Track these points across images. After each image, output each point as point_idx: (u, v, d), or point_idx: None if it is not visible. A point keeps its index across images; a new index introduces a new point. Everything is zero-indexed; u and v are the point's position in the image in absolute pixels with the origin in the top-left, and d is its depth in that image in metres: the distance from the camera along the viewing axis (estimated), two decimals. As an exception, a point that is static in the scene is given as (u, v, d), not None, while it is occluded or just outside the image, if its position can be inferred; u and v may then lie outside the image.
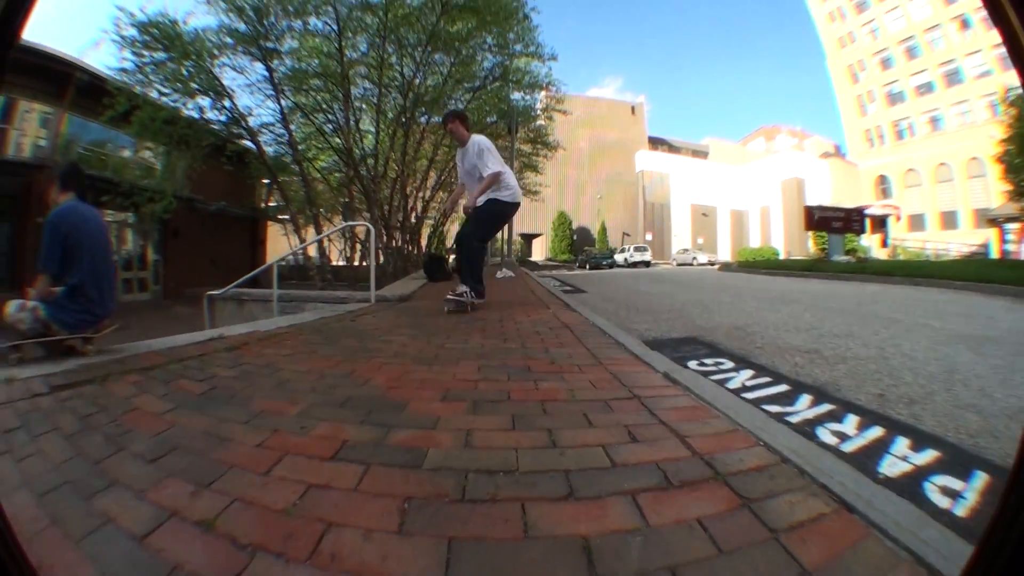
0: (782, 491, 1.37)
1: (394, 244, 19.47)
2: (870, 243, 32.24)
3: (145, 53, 15.31)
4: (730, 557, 1.08)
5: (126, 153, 23.02)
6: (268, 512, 1.37)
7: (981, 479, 1.94)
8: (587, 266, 43.81)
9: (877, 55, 49.81)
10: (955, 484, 1.91)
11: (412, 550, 1.14)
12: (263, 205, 32.61)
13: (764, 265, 22.56)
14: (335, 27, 15.85)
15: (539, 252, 67.16)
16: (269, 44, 16.13)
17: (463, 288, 5.78)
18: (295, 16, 16.12)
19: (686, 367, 3.18)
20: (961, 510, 1.74)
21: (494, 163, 5.65)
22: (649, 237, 62.32)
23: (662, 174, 67.98)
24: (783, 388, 3.12)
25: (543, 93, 22.17)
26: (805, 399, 2.87)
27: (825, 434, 2.32)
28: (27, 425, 2.27)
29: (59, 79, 19.27)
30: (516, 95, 20.72)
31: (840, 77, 53.97)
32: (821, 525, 1.23)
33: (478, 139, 5.82)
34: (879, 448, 2.23)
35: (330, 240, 20.42)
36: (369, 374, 2.74)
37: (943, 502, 1.79)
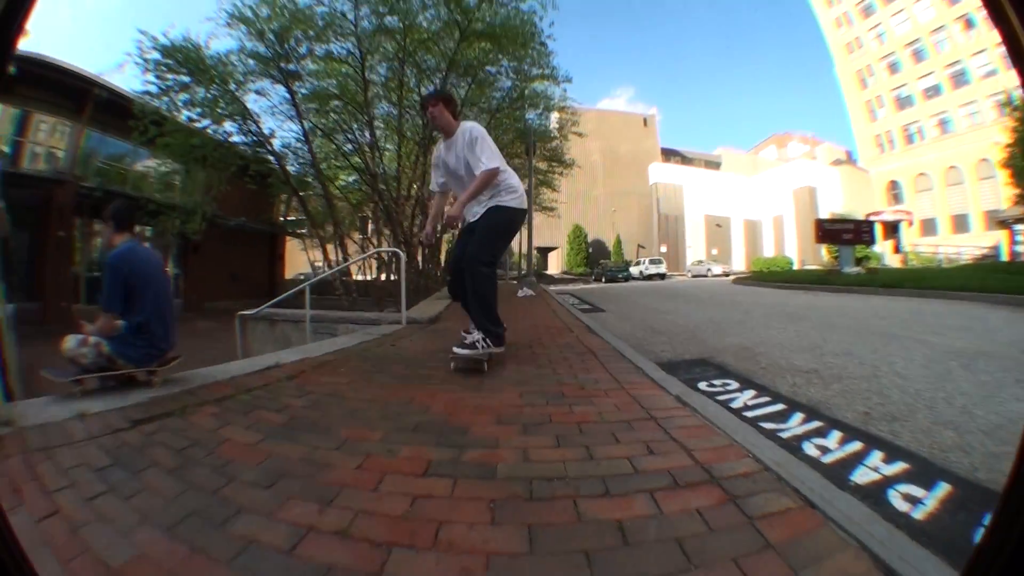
0: (761, 491, 1.81)
1: (417, 263, 19.87)
2: (883, 250, 32.34)
3: (169, 76, 15.88)
4: (717, 534, 1.55)
5: (143, 167, 23.58)
6: (389, 518, 1.77)
7: (942, 488, 2.25)
8: (603, 279, 43.97)
9: (884, 59, 49.95)
10: (917, 492, 2.22)
11: (504, 534, 1.61)
12: (281, 220, 33.02)
13: (777, 277, 22.90)
14: (356, 51, 16.24)
15: (555, 265, 67.37)
16: (291, 67, 16.60)
17: (474, 336, 4.28)
18: (316, 40, 16.52)
19: (696, 389, 3.74)
20: (919, 514, 2.05)
21: (491, 156, 4.30)
22: (663, 249, 62.49)
23: (675, 186, 68.21)
24: (779, 407, 3.53)
25: (557, 115, 22.72)
26: (798, 417, 3.29)
27: (809, 447, 2.73)
28: (122, 462, 2.49)
29: (78, 95, 19.94)
30: (531, 114, 21.28)
31: (849, 83, 54.12)
32: (787, 516, 1.66)
33: (469, 126, 4.43)
34: (854, 460, 2.57)
35: (349, 255, 20.82)
36: (428, 401, 3.17)
37: (903, 507, 2.11)
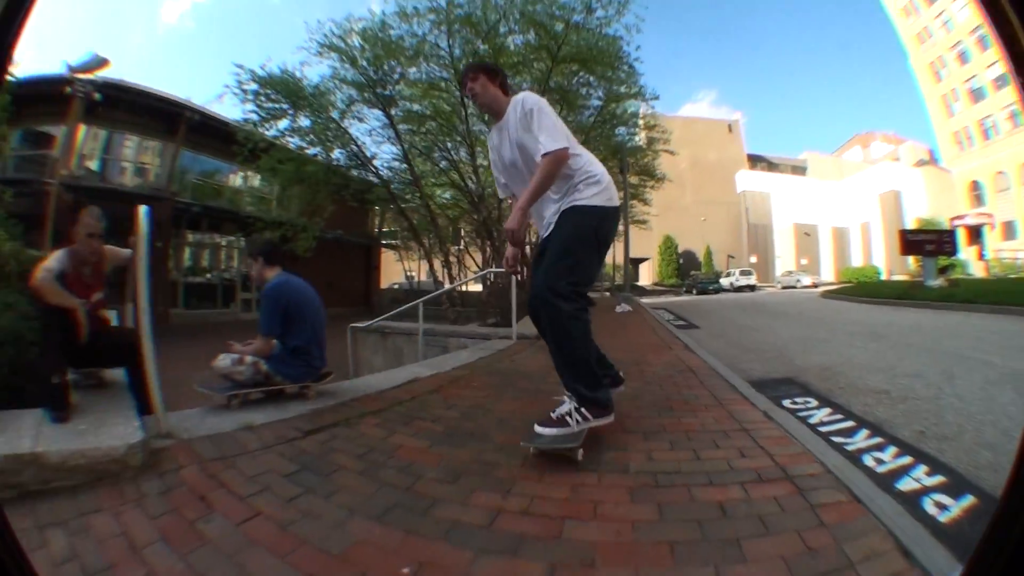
0: (822, 488, 2.40)
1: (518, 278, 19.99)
2: (968, 256, 31.15)
3: (267, 106, 17.02)
4: (787, 514, 2.16)
5: (237, 185, 25.87)
6: (558, 500, 2.43)
7: (968, 500, 2.61)
8: (694, 291, 43.41)
9: (953, 49, 46.77)
10: (946, 500, 2.62)
11: (641, 509, 2.30)
12: (376, 232, 34.45)
13: (861, 292, 22.42)
14: (450, 77, 16.78)
15: (646, 277, 66.52)
16: (386, 92, 17.38)
17: (565, 408, 3.02)
18: (408, 63, 17.18)
19: (780, 406, 4.21)
20: (943, 518, 2.45)
21: (553, 133, 3.02)
22: (753, 259, 60.75)
23: (763, 194, 66.26)
24: (850, 424, 4.05)
25: (644, 133, 22.96)
26: (863, 433, 3.80)
27: (867, 459, 3.24)
28: (309, 467, 2.89)
29: (172, 118, 22.01)
30: (620, 130, 21.59)
31: (924, 76, 50.90)
32: (838, 506, 2.23)
33: (521, 97, 3.22)
34: (902, 471, 3.04)
35: (446, 265, 21.94)
36: None
37: (932, 511, 2.52)
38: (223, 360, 4.10)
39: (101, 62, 16.57)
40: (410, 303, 10.54)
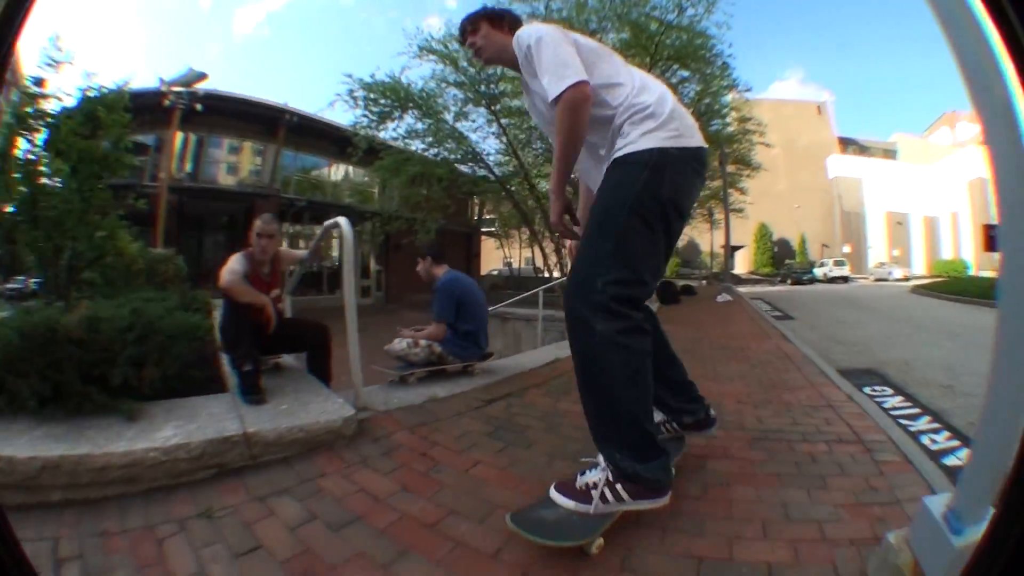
0: (885, 450, 3.08)
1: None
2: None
3: (375, 110, 17.90)
4: (859, 463, 2.85)
5: (332, 175, 28.26)
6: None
7: None
8: (788, 280, 42.28)
9: None
10: None
11: (758, 452, 3.22)
12: (475, 220, 34.99)
13: (948, 289, 22.01)
14: None
15: (741, 265, 63.19)
16: (490, 89, 17.88)
17: (594, 475, 2.10)
18: None
19: (861, 391, 4.99)
20: None
21: (559, 69, 2.09)
22: (847, 249, 57.12)
23: (854, 180, 61.38)
24: (916, 411, 4.89)
25: (736, 123, 22.96)
26: (925, 419, 4.63)
27: (924, 438, 4.06)
28: (502, 426, 3.45)
29: (272, 122, 23.65)
30: (715, 121, 21.62)
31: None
32: (895, 463, 2.85)
33: (517, 36, 2.33)
34: (948, 450, 3.80)
35: (557, 252, 22.24)
36: (707, 377, 5.02)
37: None
38: (398, 343, 4.58)
39: (199, 76, 17.74)
40: (530, 291, 11.01)
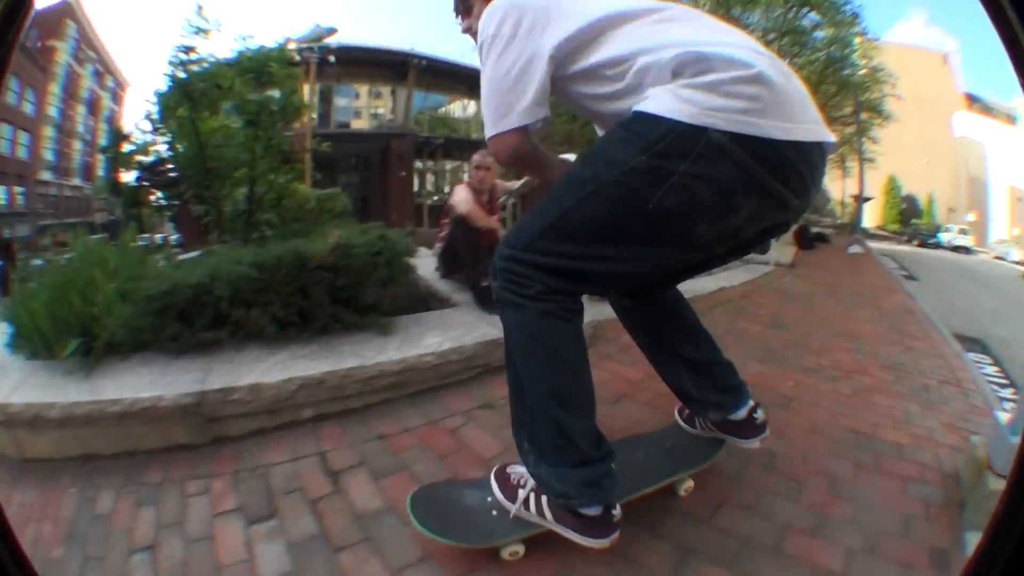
0: (976, 397, 3.86)
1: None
2: None
3: None
4: (952, 401, 3.78)
5: (455, 112, 29.37)
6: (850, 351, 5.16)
7: None
8: (914, 241, 41.50)
9: None
10: None
11: (869, 381, 4.83)
12: None
13: None
14: None
15: (869, 219, 60.59)
16: None
17: (518, 471, 1.76)
18: None
19: (967, 351, 5.77)
20: None
21: (506, 95, 1.55)
22: (970, 217, 53.94)
23: (978, 143, 56.64)
24: (1004, 380, 5.73)
25: (867, 72, 22.12)
26: (1009, 390, 5.26)
27: (1006, 404, 4.84)
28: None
29: (401, 67, 25.02)
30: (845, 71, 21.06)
31: None
32: (983, 409, 3.62)
33: (485, 19, 1.62)
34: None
35: None
36: (846, 317, 6.36)
37: None
38: None
39: (329, 31, 19.11)
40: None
